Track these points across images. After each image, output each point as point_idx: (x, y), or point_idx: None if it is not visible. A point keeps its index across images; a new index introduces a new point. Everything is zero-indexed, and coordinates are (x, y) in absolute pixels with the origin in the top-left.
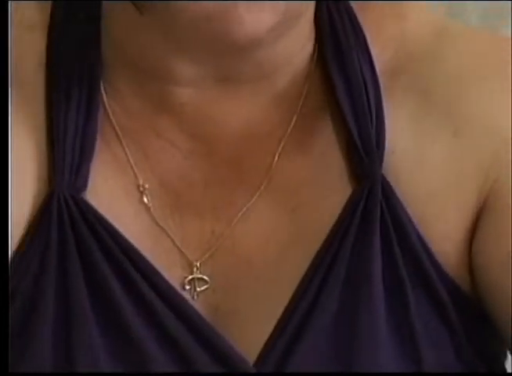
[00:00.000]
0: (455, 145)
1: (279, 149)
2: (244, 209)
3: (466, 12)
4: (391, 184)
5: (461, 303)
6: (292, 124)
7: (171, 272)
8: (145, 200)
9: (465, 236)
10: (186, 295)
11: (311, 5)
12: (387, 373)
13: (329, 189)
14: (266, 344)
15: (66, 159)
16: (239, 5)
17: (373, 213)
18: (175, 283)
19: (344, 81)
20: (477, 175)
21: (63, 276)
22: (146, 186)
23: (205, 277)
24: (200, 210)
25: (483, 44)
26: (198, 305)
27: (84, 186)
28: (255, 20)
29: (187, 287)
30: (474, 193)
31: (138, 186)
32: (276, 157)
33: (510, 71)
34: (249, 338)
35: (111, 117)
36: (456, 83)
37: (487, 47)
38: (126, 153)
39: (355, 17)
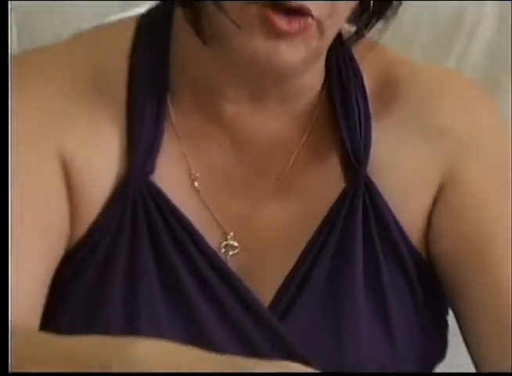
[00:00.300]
0: (422, 148)
1: (293, 156)
2: (266, 196)
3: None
4: (374, 181)
5: (422, 270)
6: (304, 138)
7: (211, 241)
8: (196, 184)
9: (427, 217)
10: (221, 257)
11: (325, 51)
12: (387, 373)
13: (329, 188)
14: (279, 291)
15: (140, 149)
16: (281, 44)
17: (357, 203)
18: (215, 248)
19: (344, 109)
20: (437, 172)
21: (132, 254)
22: (197, 174)
23: (235, 244)
24: (235, 194)
25: (439, 72)
26: (230, 265)
27: (152, 171)
28: (292, 54)
29: (222, 251)
30: (435, 185)
31: (191, 175)
32: (291, 162)
33: (460, 91)
34: (266, 288)
35: (173, 121)
36: (424, 103)
37: (442, 74)
38: (183, 149)
39: (355, 63)
